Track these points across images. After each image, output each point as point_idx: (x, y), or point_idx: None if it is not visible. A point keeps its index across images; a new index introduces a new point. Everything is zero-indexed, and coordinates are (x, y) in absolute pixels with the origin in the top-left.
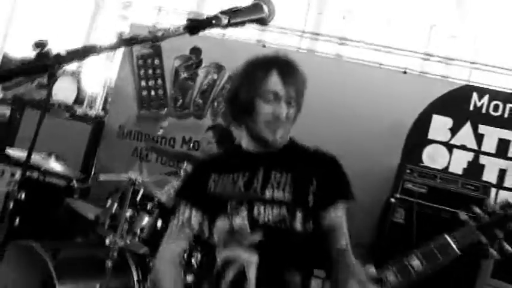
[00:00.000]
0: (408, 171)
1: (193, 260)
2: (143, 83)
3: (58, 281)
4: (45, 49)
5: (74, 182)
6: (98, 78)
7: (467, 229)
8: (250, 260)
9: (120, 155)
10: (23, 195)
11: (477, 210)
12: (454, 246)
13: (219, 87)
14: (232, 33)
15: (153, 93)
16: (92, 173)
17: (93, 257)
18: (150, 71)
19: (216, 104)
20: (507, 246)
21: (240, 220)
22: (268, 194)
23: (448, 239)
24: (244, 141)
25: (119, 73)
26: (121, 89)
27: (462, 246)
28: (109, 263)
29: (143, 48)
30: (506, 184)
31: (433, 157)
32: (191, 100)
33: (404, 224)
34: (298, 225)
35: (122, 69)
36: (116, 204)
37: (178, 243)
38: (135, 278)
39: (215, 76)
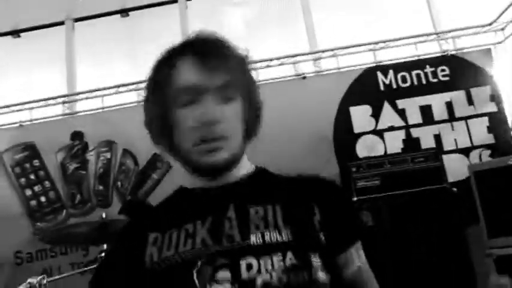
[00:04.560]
0: (354, 169)
1: None
2: (28, 192)
3: None
4: None
5: None
6: None
7: None
8: None
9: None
10: None
11: None
12: None
13: (116, 165)
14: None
15: (43, 199)
16: None
17: None
18: (32, 176)
19: (119, 183)
20: None
21: None
22: (255, 239)
23: None
24: (188, 179)
25: None
26: (3, 211)
27: None
28: None
29: (14, 153)
30: (446, 148)
31: (368, 149)
32: (90, 191)
33: (374, 225)
34: (320, 274)
35: None
36: None
37: None
38: None
39: (108, 155)
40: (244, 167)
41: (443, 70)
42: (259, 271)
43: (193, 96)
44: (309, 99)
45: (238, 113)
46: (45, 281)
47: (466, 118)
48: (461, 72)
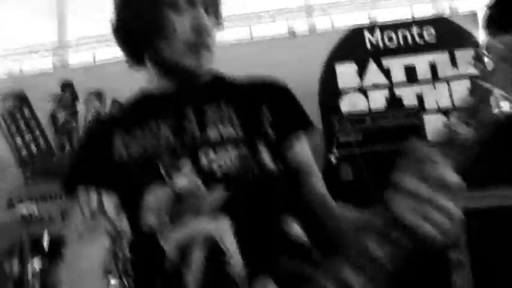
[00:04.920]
0: (336, 124)
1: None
2: (19, 141)
3: None
4: None
5: None
6: None
7: None
8: (222, 228)
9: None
10: None
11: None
12: None
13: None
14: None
15: (33, 147)
16: None
17: None
18: (23, 125)
19: None
20: None
21: (185, 179)
22: (212, 133)
23: None
24: (153, 80)
25: None
26: None
27: None
28: None
29: (5, 102)
30: (427, 106)
31: (352, 105)
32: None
33: (354, 180)
34: (266, 163)
35: None
36: (16, 263)
37: (94, 244)
38: None
39: (97, 104)
40: (207, 72)
41: (429, 31)
42: (215, 160)
43: (189, 4)
44: (298, 55)
45: (213, 26)
46: (34, 209)
47: (448, 79)
48: (446, 34)
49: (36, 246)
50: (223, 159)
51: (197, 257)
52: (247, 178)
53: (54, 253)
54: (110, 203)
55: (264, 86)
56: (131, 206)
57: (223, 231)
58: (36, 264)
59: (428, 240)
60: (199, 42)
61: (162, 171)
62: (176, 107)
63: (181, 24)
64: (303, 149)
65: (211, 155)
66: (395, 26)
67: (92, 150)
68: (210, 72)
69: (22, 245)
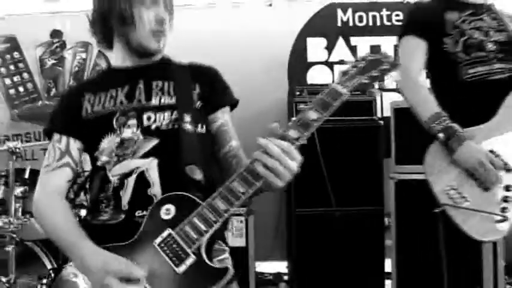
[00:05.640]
0: (297, 92)
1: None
2: (8, 81)
3: None
4: None
5: None
6: None
7: (349, 75)
8: (150, 165)
9: None
10: None
11: (353, 61)
12: (341, 90)
13: (90, 65)
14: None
15: (21, 89)
16: None
17: None
18: (12, 67)
19: None
20: (384, 84)
21: (130, 131)
22: (154, 101)
23: (335, 86)
24: (118, 58)
25: None
26: None
27: (349, 89)
28: (11, 253)
29: None
30: (386, 86)
31: (317, 78)
32: (65, 85)
33: (307, 145)
34: (188, 126)
35: None
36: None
37: (61, 174)
38: (48, 266)
39: (83, 55)
40: (160, 55)
41: (397, 15)
42: (154, 121)
43: (153, 3)
44: (273, 25)
45: (170, 20)
46: (20, 145)
47: None
48: None
49: (19, 176)
50: (159, 120)
51: (130, 183)
52: (172, 135)
53: (34, 182)
54: (75, 146)
55: (199, 69)
56: (92, 149)
57: (151, 167)
58: (18, 190)
59: (273, 185)
60: (161, 30)
61: (115, 125)
62: (132, 79)
63: (148, 16)
64: (225, 119)
65: (151, 116)
66: (366, 7)
67: (66, 107)
68: (161, 55)
69: (7, 174)
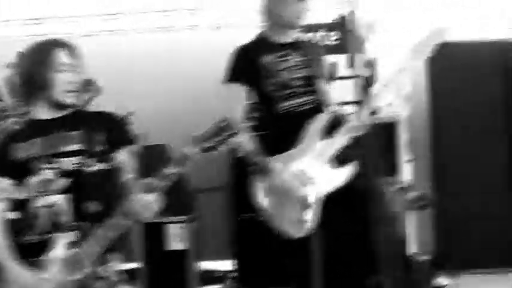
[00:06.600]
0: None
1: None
2: None
3: None
4: None
5: None
6: None
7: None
8: (60, 201)
9: None
10: None
11: None
12: None
13: None
14: None
15: None
16: None
17: None
18: None
19: None
20: None
21: (46, 173)
22: (67, 148)
23: None
24: (40, 112)
25: None
26: None
27: None
28: None
29: None
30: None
31: None
32: None
33: None
34: (93, 167)
35: None
36: None
37: None
38: None
39: None
40: (74, 107)
41: (334, 35)
42: (67, 163)
43: (66, 69)
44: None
45: (80, 80)
46: None
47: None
48: (347, 38)
49: None
50: (68, 164)
51: (43, 213)
52: (78, 175)
53: None
54: (7, 184)
55: (105, 116)
56: (19, 185)
57: (60, 202)
58: None
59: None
60: (74, 89)
61: (34, 168)
62: (48, 130)
63: (63, 79)
64: (124, 157)
65: (62, 161)
66: (304, 29)
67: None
68: (75, 107)
69: None
